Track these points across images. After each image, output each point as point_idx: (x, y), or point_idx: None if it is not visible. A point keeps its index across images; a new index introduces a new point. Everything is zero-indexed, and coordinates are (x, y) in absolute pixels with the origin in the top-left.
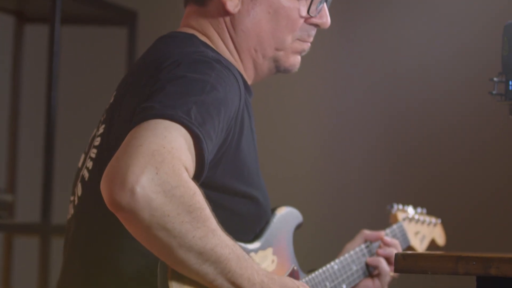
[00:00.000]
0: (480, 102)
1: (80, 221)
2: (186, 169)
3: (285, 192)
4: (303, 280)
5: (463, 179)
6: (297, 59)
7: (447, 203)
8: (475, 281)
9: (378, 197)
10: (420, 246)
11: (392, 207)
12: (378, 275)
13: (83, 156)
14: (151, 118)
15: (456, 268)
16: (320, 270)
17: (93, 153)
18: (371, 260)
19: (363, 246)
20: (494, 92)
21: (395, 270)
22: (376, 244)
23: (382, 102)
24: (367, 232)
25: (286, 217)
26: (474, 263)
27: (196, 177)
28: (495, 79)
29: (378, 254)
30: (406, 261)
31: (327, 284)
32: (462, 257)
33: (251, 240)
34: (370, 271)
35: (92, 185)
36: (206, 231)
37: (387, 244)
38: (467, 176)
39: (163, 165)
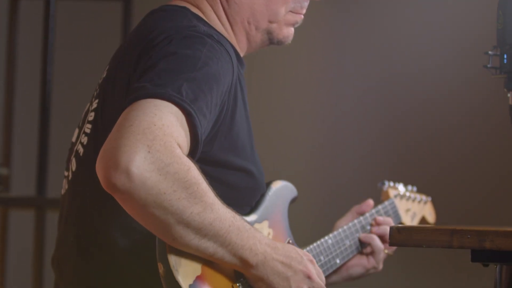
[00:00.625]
0: (472, 77)
1: (74, 196)
2: (179, 145)
3: (280, 166)
4: None
5: (454, 157)
6: (291, 31)
7: (437, 181)
8: (470, 254)
9: (371, 173)
10: (411, 223)
11: (383, 184)
12: (372, 253)
13: (77, 130)
14: (141, 98)
15: (451, 241)
16: (315, 244)
17: (87, 128)
18: (364, 236)
19: (355, 221)
20: (489, 65)
21: (390, 244)
22: (368, 220)
23: (376, 80)
24: (356, 206)
25: (281, 190)
26: (468, 236)
27: (192, 154)
28: (489, 52)
29: (371, 232)
30: (401, 235)
31: (322, 258)
32: (457, 231)
33: (247, 213)
34: (363, 247)
35: (86, 161)
36: (204, 206)
37: (379, 223)
38: (457, 155)
39: (155, 142)
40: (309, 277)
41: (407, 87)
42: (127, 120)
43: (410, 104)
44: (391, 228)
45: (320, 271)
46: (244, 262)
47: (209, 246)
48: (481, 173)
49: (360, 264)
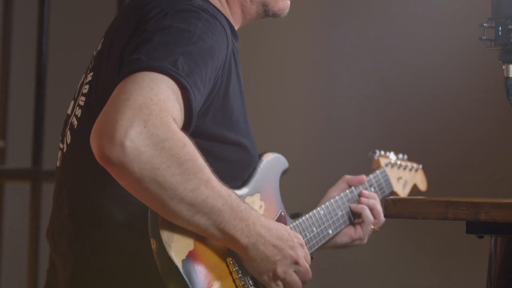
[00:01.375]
0: (467, 49)
1: (69, 169)
2: (175, 120)
3: (272, 138)
4: (291, 225)
5: (444, 125)
6: (286, 3)
7: (428, 149)
8: (465, 226)
9: (362, 143)
10: (402, 191)
11: (374, 153)
12: (361, 223)
13: (72, 103)
14: (137, 71)
15: (446, 213)
16: (307, 215)
17: (81, 100)
18: (355, 206)
19: (347, 191)
20: (484, 37)
21: (385, 216)
22: (358, 190)
23: (372, 53)
24: (349, 177)
25: (272, 163)
26: (463, 208)
27: (185, 128)
28: (484, 24)
29: (360, 203)
30: (396, 207)
31: (314, 229)
32: (452, 202)
33: (239, 186)
34: (354, 218)
35: (81, 133)
36: (198, 183)
37: (366, 197)
38: (448, 123)
39: (151, 117)
40: (296, 263)
41: (398, 55)
42: (123, 93)
43: (402, 73)
44: (386, 199)
45: (308, 253)
46: (235, 242)
47: (201, 223)
48: (475, 145)
49: (347, 233)
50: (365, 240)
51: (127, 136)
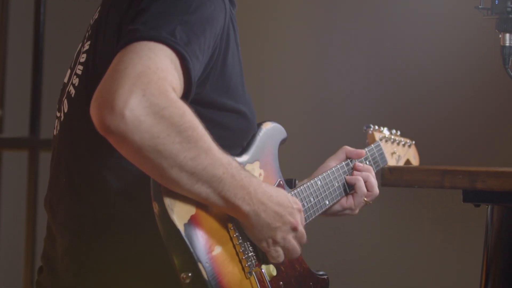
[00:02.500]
0: (464, 18)
1: (66, 138)
2: (174, 89)
3: (270, 107)
4: (290, 194)
5: (439, 96)
6: None
7: (420, 126)
8: (461, 195)
9: (360, 115)
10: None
11: (368, 127)
12: (353, 194)
13: (69, 71)
14: (136, 40)
15: (442, 181)
16: (305, 185)
17: (79, 69)
18: (350, 178)
19: (343, 163)
20: (480, 6)
21: (382, 184)
22: (354, 163)
23: (367, 27)
24: (348, 149)
25: (271, 132)
26: (460, 176)
27: (185, 97)
28: None
29: (353, 175)
30: (392, 175)
31: (312, 199)
32: (448, 171)
33: (238, 154)
34: (349, 189)
35: (78, 102)
36: (198, 151)
37: (359, 170)
38: (443, 93)
39: (150, 86)
40: (295, 229)
41: (395, 28)
42: (122, 62)
43: (397, 47)
44: (383, 168)
45: (303, 218)
46: (236, 209)
47: (202, 191)
48: (469, 115)
49: (338, 202)
50: (356, 211)
51: (126, 105)
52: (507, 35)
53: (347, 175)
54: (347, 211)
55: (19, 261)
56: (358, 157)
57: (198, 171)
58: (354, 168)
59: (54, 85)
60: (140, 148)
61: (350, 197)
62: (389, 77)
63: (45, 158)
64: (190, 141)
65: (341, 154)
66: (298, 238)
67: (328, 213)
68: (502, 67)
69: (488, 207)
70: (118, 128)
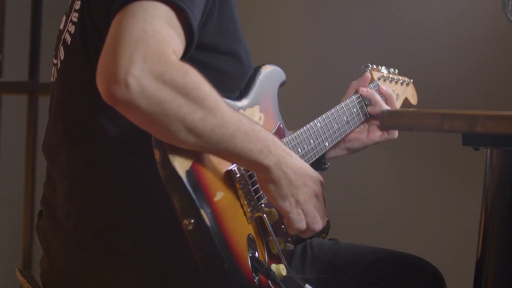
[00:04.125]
0: None
1: (63, 85)
2: (173, 49)
3: (268, 51)
4: (288, 138)
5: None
6: None
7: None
8: (461, 138)
9: (357, 56)
10: (395, 104)
11: (367, 66)
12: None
13: (64, 18)
14: (130, 1)
15: (442, 125)
16: (304, 128)
17: (74, 17)
18: (372, 108)
19: (353, 97)
20: None
21: (382, 128)
22: (360, 99)
23: None
24: (355, 82)
25: (271, 75)
26: (460, 120)
27: (188, 47)
28: None
29: (380, 91)
30: (391, 119)
31: (312, 141)
32: (448, 115)
33: (238, 98)
34: (359, 122)
35: (74, 49)
36: (205, 112)
37: (384, 93)
38: (442, 36)
39: (148, 52)
40: (317, 195)
41: None
42: (118, 30)
43: None
44: (382, 112)
45: (325, 198)
46: (255, 164)
47: (212, 150)
48: (468, 59)
49: (359, 139)
50: (379, 141)
51: (128, 74)
52: None
53: (356, 108)
54: (371, 145)
55: (18, 205)
56: (366, 82)
57: (207, 133)
58: (380, 91)
59: (53, 29)
60: (148, 114)
61: (372, 132)
62: (387, 15)
63: (45, 102)
64: (197, 102)
65: (349, 91)
66: (319, 209)
67: (350, 150)
68: (501, 11)
69: (487, 151)
70: (124, 98)
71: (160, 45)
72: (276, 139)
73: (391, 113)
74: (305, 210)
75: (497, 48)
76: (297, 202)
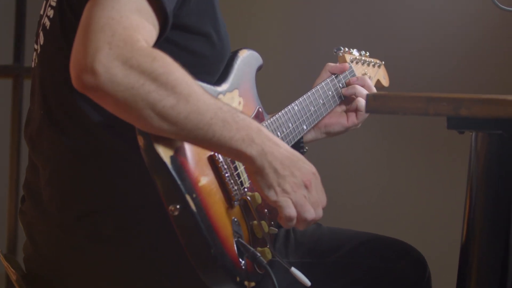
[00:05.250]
0: None
1: (43, 70)
2: (143, 35)
3: (244, 35)
4: (267, 121)
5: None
6: None
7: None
8: (446, 122)
9: (333, 40)
10: (373, 87)
11: (339, 49)
12: (356, 111)
13: (44, 3)
14: None
15: (427, 108)
16: (283, 111)
17: (53, 1)
18: (346, 89)
19: (328, 80)
20: None
21: (366, 111)
22: (343, 76)
23: None
24: (331, 65)
25: (248, 59)
26: (444, 104)
27: (163, 30)
28: None
29: (351, 83)
30: (376, 102)
31: (290, 125)
32: (433, 98)
33: (218, 83)
34: (334, 104)
35: (53, 34)
36: (177, 98)
37: (354, 83)
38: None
39: (114, 38)
40: (306, 186)
41: None
42: (87, 18)
43: None
44: (367, 95)
45: (322, 190)
46: (237, 153)
47: (190, 138)
48: (452, 43)
49: (339, 123)
50: (359, 125)
51: (95, 61)
52: None
53: (331, 91)
54: (352, 128)
55: (3, 189)
56: (343, 71)
57: (181, 120)
58: (349, 83)
59: (38, 12)
60: (118, 101)
61: (351, 115)
62: (367, 3)
63: (29, 86)
64: (167, 88)
65: (324, 73)
66: (311, 201)
67: (330, 134)
68: None
69: (472, 134)
70: (93, 85)
71: (127, 31)
72: (262, 128)
73: (376, 97)
74: (294, 199)
75: (482, 31)
76: (284, 191)
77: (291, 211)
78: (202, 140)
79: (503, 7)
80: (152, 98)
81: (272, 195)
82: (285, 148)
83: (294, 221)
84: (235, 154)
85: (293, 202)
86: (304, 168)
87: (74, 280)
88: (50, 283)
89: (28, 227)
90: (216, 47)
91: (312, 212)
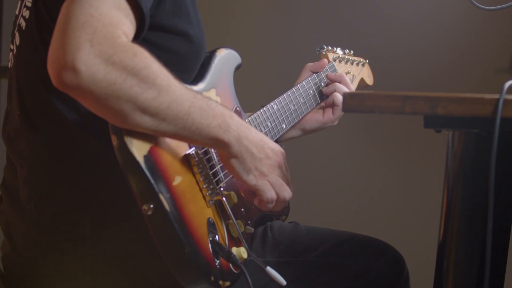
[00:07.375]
0: None
1: (19, 70)
2: (123, 31)
3: (223, 34)
4: (246, 120)
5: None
6: None
7: (370, 46)
8: (423, 120)
9: (313, 38)
10: (350, 85)
11: (322, 48)
12: (333, 108)
13: (19, 3)
14: None
15: (403, 107)
16: (261, 110)
17: (28, 1)
18: (327, 88)
19: (309, 78)
20: None
21: (343, 109)
22: (324, 74)
23: None
24: (310, 64)
25: (226, 58)
26: (421, 102)
27: (141, 29)
28: None
29: (330, 79)
30: (353, 100)
31: (269, 124)
32: (409, 97)
33: (194, 82)
34: (315, 103)
35: (29, 34)
36: (158, 89)
37: (332, 79)
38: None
39: (95, 35)
40: (280, 166)
41: None
42: (65, 16)
43: None
44: (344, 93)
45: (287, 168)
46: (215, 140)
47: (169, 129)
48: (431, 42)
49: (314, 119)
50: (336, 122)
51: (76, 59)
52: None
53: (312, 89)
54: (329, 124)
55: None
56: (323, 67)
57: (162, 110)
58: (328, 78)
59: (14, 12)
60: (99, 98)
61: (327, 110)
62: (355, 5)
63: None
64: (148, 81)
65: (305, 73)
66: (283, 179)
67: (306, 131)
68: None
69: (449, 133)
70: (74, 83)
71: (108, 27)
72: (233, 114)
73: (353, 95)
74: (271, 181)
75: (460, 30)
76: (262, 174)
77: (272, 194)
78: (181, 129)
79: (480, 6)
80: (134, 92)
81: (251, 179)
82: (255, 131)
83: (274, 203)
84: (213, 140)
85: (271, 184)
86: (275, 149)
87: (51, 279)
88: (27, 282)
89: (6, 226)
90: (191, 44)
91: (289, 191)
